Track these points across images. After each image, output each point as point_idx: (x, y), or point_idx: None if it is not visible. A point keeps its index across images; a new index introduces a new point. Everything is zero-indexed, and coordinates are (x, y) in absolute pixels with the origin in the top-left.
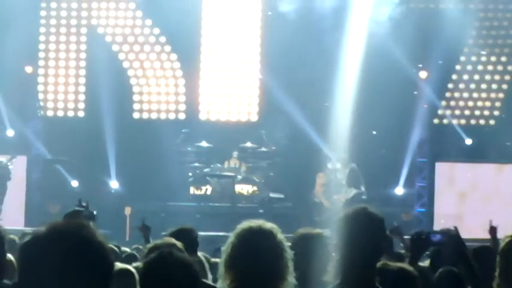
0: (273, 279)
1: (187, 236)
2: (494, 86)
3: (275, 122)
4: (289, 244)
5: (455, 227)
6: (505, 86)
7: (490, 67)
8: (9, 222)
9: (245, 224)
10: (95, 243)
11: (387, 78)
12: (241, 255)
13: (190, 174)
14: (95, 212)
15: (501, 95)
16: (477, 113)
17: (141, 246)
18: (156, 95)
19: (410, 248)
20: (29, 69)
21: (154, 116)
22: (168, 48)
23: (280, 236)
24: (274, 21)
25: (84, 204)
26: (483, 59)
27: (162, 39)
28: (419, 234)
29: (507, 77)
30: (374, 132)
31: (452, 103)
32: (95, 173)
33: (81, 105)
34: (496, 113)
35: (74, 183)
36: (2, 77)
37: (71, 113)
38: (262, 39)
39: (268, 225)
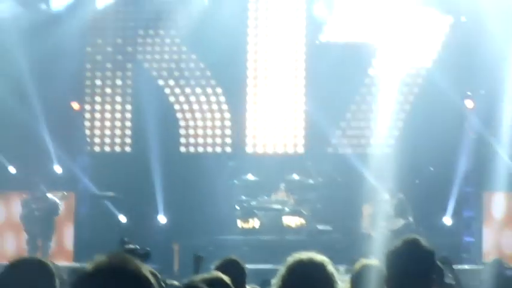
0: None
1: (234, 268)
2: None
3: (322, 153)
4: (350, 275)
5: None
6: None
7: None
8: (57, 258)
9: (296, 257)
10: (142, 278)
11: (434, 106)
12: None
13: (237, 207)
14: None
15: None
16: None
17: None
18: (202, 128)
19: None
20: (75, 105)
21: (200, 149)
22: (213, 82)
23: (331, 268)
24: (319, 52)
25: (126, 240)
26: None
27: (208, 73)
28: (496, 268)
29: None
30: (431, 169)
31: (499, 132)
32: (143, 208)
33: (128, 140)
34: None
35: (122, 218)
36: (49, 114)
37: (118, 148)
38: (307, 71)
39: (319, 257)
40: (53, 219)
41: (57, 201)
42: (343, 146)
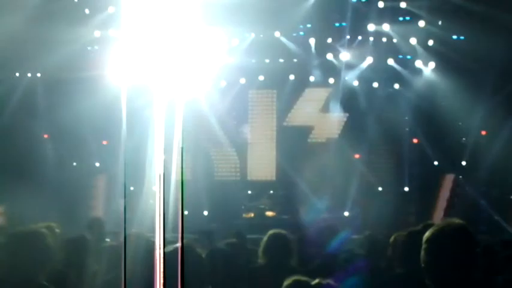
0: None
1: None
2: None
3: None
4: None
5: None
6: None
7: None
8: None
9: (271, 231)
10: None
11: None
12: None
13: (243, 207)
14: None
15: None
16: None
17: None
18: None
19: None
20: None
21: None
22: None
23: (289, 236)
24: None
25: None
26: None
27: None
28: None
29: None
30: None
31: None
32: None
33: None
34: None
35: None
36: None
37: None
38: None
39: (283, 232)
40: None
41: None
42: None
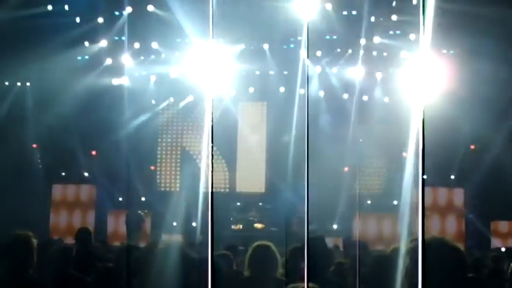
0: None
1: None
2: None
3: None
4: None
5: None
6: None
7: None
8: None
9: (257, 243)
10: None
11: None
12: None
13: (231, 218)
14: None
15: None
16: None
17: None
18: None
19: None
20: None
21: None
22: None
23: (274, 248)
24: None
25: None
26: None
27: None
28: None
29: None
30: None
31: None
32: None
33: None
34: None
35: None
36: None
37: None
38: None
39: (269, 243)
40: None
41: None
42: None
